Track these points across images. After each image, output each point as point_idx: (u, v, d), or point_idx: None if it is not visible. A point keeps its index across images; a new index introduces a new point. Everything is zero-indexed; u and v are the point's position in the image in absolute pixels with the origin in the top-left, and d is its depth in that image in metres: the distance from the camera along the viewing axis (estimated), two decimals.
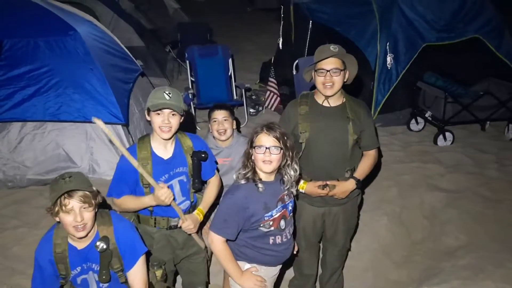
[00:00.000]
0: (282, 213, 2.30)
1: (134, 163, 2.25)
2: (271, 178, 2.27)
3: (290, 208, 2.36)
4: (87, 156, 4.17)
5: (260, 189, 2.20)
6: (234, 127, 3.19)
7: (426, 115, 5.30)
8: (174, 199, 2.37)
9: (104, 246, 2.08)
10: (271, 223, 2.25)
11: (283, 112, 2.83)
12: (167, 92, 2.35)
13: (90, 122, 4.06)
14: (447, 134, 5.10)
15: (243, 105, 5.84)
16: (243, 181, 2.23)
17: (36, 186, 4.16)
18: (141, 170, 2.25)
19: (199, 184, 2.53)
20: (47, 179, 4.16)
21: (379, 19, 5.15)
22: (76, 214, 1.98)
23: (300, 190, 2.68)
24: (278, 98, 6.08)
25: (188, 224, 2.47)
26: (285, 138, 2.20)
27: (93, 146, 4.16)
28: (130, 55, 5.18)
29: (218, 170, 2.75)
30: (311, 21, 5.73)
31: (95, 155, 4.17)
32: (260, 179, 2.22)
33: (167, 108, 2.33)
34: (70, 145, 4.15)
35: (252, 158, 2.20)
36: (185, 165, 2.50)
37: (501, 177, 4.45)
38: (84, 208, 2.00)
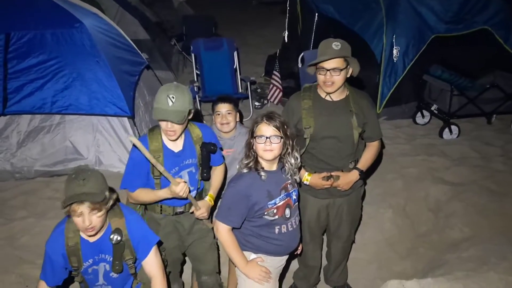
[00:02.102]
0: (286, 202, 2.32)
1: (158, 167, 2.23)
2: (273, 167, 2.31)
3: (294, 197, 2.38)
4: (93, 148, 4.21)
5: (263, 177, 2.24)
6: (238, 119, 3.20)
7: (432, 108, 5.29)
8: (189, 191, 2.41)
9: (119, 238, 2.13)
10: (275, 211, 2.27)
11: (286, 104, 2.84)
12: (171, 96, 2.23)
13: (97, 114, 4.10)
14: (453, 127, 5.09)
15: (248, 98, 5.85)
16: (245, 170, 2.27)
17: (44, 177, 4.21)
18: (159, 167, 2.23)
19: (208, 174, 2.56)
20: (54, 170, 4.21)
21: (386, 11, 5.12)
22: (85, 219, 2.01)
23: (305, 182, 2.69)
24: (281, 92, 6.06)
25: (202, 212, 2.53)
26: (285, 127, 2.24)
27: (99, 138, 4.20)
28: (135, 48, 5.19)
29: (224, 158, 2.80)
30: (317, 14, 5.72)
31: (101, 147, 4.20)
32: (263, 168, 2.26)
33: (167, 121, 2.30)
34: (77, 137, 4.19)
35: (254, 148, 2.24)
36: (194, 156, 2.53)
37: (507, 170, 4.44)
38: (93, 213, 2.03)
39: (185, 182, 2.35)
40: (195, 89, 5.69)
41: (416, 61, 5.20)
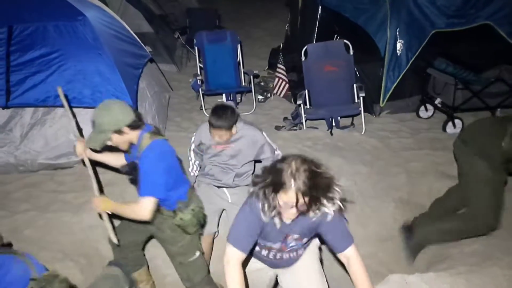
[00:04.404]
0: (280, 247, 2.24)
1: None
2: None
3: (291, 247, 2.25)
4: None
5: (277, 226, 2.00)
6: (234, 130, 3.09)
7: (436, 102, 5.26)
8: None
9: None
10: (266, 250, 2.27)
11: None
12: (92, 120, 2.47)
13: None
14: (457, 121, 5.06)
15: (251, 91, 5.84)
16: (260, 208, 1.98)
17: (47, 170, 4.23)
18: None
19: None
20: (58, 163, 4.22)
21: (390, 4, 5.08)
22: None
23: None
24: (287, 85, 6.07)
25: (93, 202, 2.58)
26: (317, 190, 1.82)
27: None
28: (139, 41, 5.18)
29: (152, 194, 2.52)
30: (320, 7, 5.69)
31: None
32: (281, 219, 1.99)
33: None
34: None
35: (277, 203, 1.87)
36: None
37: None
38: None
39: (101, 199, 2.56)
40: (199, 82, 5.68)
41: (420, 54, 5.17)
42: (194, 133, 3.35)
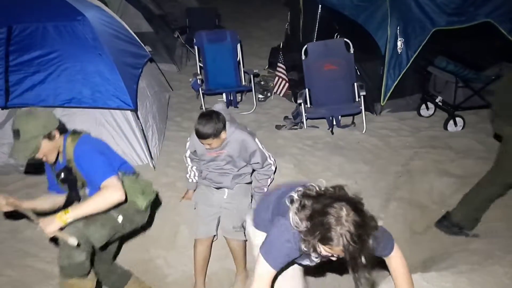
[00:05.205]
0: (309, 263, 2.20)
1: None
2: None
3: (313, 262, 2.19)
4: None
5: (315, 259, 2.00)
6: (223, 136, 3.03)
7: (437, 100, 5.24)
8: None
9: None
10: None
11: None
12: (15, 130, 2.30)
13: (99, 108, 4.09)
14: (458, 119, 5.05)
15: (251, 90, 5.83)
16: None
17: None
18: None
19: (75, 197, 2.58)
20: None
21: (390, 3, 5.07)
22: None
23: None
24: (287, 84, 6.06)
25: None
26: (363, 246, 1.71)
27: (102, 131, 4.17)
28: (138, 41, 5.18)
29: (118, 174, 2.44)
30: (320, 6, 5.68)
31: (104, 140, 4.17)
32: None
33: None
34: None
35: (321, 250, 1.77)
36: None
37: None
38: None
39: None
40: (198, 81, 5.67)
41: (420, 53, 5.16)
42: (188, 140, 3.34)
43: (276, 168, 3.40)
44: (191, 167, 3.46)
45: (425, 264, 3.39)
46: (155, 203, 3.14)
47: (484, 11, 5.14)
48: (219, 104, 3.36)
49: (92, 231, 2.43)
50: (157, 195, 2.82)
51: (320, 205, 1.75)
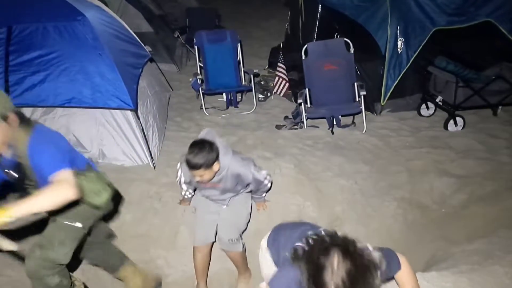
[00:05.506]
0: None
1: None
2: None
3: None
4: (96, 142, 4.20)
5: None
6: (216, 167, 2.79)
7: (437, 100, 5.24)
8: None
9: None
10: None
11: None
12: None
13: (100, 108, 4.09)
14: (458, 119, 5.05)
15: (251, 90, 5.82)
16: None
17: None
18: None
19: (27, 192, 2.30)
20: None
21: (390, 2, 5.07)
22: None
23: None
24: (287, 84, 6.06)
25: None
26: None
27: (102, 131, 4.18)
28: (138, 41, 5.18)
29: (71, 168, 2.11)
30: (320, 5, 5.68)
31: (104, 140, 4.19)
32: None
33: None
34: (80, 131, 4.17)
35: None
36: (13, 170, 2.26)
37: None
38: None
39: None
40: (199, 81, 5.67)
41: (420, 52, 5.15)
42: (179, 168, 3.13)
43: (271, 184, 3.30)
44: (186, 190, 3.30)
45: (426, 263, 3.38)
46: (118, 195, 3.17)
47: (485, 11, 5.14)
48: (209, 130, 3.02)
49: (53, 255, 2.32)
50: (117, 191, 2.69)
51: (312, 265, 1.71)
